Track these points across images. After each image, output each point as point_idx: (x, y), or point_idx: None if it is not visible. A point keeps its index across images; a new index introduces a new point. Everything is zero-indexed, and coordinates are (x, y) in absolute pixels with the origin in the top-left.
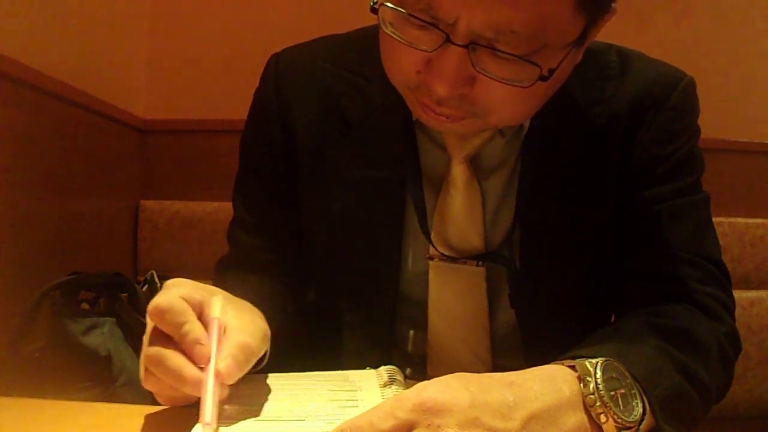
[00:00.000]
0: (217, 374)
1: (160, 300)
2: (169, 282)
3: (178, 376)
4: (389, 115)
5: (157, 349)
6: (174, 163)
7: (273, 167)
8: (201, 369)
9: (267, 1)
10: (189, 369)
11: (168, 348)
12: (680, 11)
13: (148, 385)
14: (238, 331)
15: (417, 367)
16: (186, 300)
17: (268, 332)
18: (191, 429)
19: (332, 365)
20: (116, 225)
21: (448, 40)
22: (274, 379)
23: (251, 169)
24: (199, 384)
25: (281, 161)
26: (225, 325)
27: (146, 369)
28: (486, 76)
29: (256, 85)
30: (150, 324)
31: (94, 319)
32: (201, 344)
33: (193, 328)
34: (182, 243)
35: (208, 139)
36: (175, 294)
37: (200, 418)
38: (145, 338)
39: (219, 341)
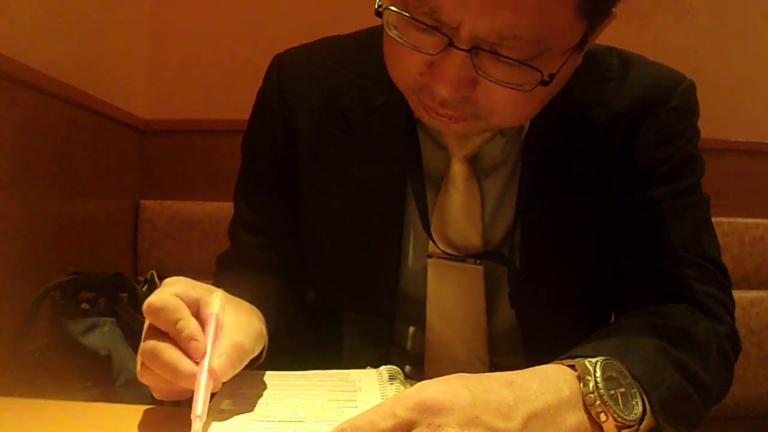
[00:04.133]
0: (211, 372)
1: (154, 299)
2: (167, 280)
3: (174, 370)
4: (390, 114)
5: (152, 343)
6: (174, 163)
7: (275, 165)
8: (197, 363)
9: (267, 2)
10: (184, 363)
11: (163, 342)
12: (680, 11)
13: (144, 378)
14: (233, 329)
15: (415, 365)
16: (181, 297)
17: (264, 332)
18: (191, 429)
19: (332, 362)
20: (116, 225)
21: (451, 44)
22: (274, 378)
23: (253, 167)
24: (193, 378)
25: (283, 160)
26: (221, 322)
27: (142, 363)
28: (488, 79)
29: (256, 85)
30: (147, 321)
31: (94, 319)
32: (196, 340)
33: (188, 324)
34: (182, 243)
35: (208, 139)
36: (170, 292)
37: (192, 412)
38: (143, 334)
39: (215, 337)
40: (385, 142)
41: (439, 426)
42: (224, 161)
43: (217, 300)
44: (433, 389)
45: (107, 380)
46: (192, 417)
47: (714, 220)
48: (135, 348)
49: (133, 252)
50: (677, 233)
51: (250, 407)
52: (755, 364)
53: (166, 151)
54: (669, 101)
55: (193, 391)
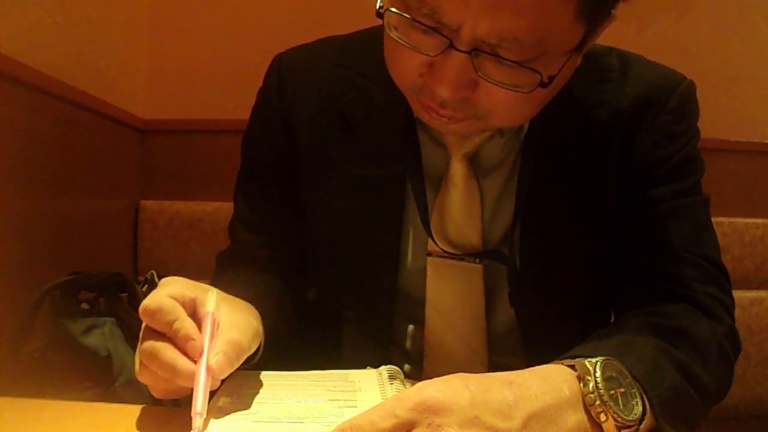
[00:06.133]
0: (209, 369)
1: (148, 301)
2: (163, 280)
3: (172, 369)
4: (390, 114)
5: (150, 344)
6: (174, 163)
7: (275, 165)
8: (194, 362)
9: (267, 2)
10: (182, 362)
11: (161, 342)
12: (680, 11)
13: (142, 378)
14: (229, 327)
15: (415, 364)
16: (176, 298)
17: (260, 330)
18: (191, 429)
19: (331, 361)
20: (116, 225)
21: (451, 45)
22: (274, 378)
23: (253, 166)
24: (192, 376)
25: (283, 159)
26: (218, 321)
27: (141, 362)
28: (488, 81)
29: (256, 85)
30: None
31: (94, 319)
32: (193, 339)
33: (184, 324)
34: (182, 243)
35: (208, 139)
36: (164, 293)
37: (192, 409)
38: (140, 335)
39: (212, 336)
40: (384, 142)
41: (439, 426)
42: (224, 161)
43: (212, 299)
44: (433, 389)
45: (107, 380)
46: (192, 414)
47: (714, 220)
48: (135, 348)
49: (133, 252)
50: (677, 233)
51: (249, 407)
52: (755, 364)
53: (166, 151)
54: (669, 101)
55: (191, 389)
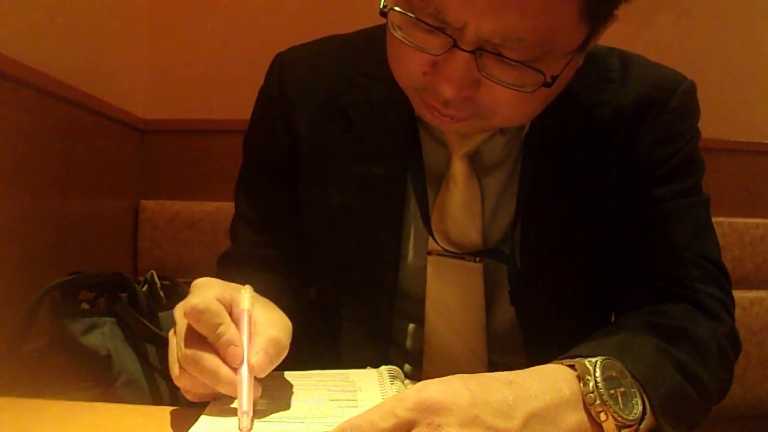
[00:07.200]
0: (250, 368)
1: (197, 301)
2: (198, 282)
3: (214, 376)
4: (391, 112)
5: (193, 352)
6: (174, 163)
7: (276, 163)
8: (234, 369)
9: (267, 2)
10: (224, 370)
11: (203, 349)
12: (680, 11)
13: (181, 382)
14: (267, 325)
15: (414, 362)
16: (220, 300)
17: (291, 328)
18: (190, 429)
19: (330, 360)
20: (116, 225)
21: (455, 45)
22: (273, 378)
23: (254, 165)
24: (233, 384)
25: (284, 157)
26: (253, 318)
27: (181, 368)
28: (491, 80)
29: (256, 85)
30: (182, 323)
31: (94, 319)
32: (235, 345)
33: (228, 329)
34: (182, 243)
35: (208, 139)
36: (211, 294)
37: (238, 409)
38: (176, 337)
39: (249, 334)
40: (385, 140)
41: (439, 425)
42: (224, 161)
43: (246, 296)
44: (433, 389)
45: (107, 380)
46: (239, 414)
47: (714, 220)
48: (135, 348)
49: (133, 252)
50: (677, 233)
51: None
52: (755, 364)
53: (166, 151)
54: (670, 102)
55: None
